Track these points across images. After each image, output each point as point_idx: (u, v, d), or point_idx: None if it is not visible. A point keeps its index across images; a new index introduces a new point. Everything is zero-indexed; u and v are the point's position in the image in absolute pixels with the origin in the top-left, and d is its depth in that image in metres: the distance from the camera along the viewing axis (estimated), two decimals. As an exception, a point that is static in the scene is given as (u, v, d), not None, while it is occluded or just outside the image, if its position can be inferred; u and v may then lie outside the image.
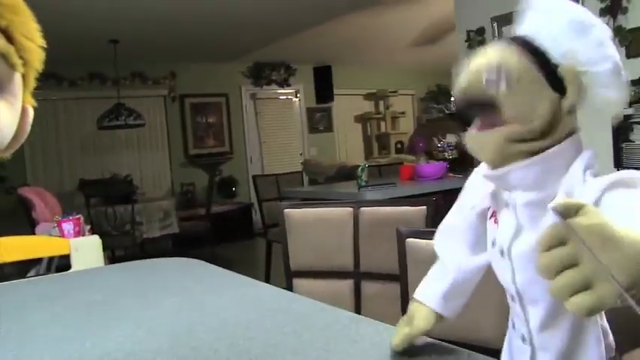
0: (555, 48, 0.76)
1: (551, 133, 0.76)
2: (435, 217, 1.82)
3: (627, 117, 3.25)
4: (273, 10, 6.22)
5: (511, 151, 0.76)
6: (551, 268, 0.51)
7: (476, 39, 5.03)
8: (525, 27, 0.81)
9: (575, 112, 0.78)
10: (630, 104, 3.29)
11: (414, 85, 10.96)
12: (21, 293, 1.66)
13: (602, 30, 0.77)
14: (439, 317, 0.94)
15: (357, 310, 1.99)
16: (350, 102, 10.36)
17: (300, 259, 2.10)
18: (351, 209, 2.02)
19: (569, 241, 0.51)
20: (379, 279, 1.95)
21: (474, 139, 0.81)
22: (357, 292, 2.02)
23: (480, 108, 0.79)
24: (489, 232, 0.87)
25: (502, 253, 0.82)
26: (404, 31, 7.95)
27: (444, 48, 8.58)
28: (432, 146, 5.32)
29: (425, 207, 1.85)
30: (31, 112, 0.61)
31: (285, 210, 2.11)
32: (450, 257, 0.95)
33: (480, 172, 0.87)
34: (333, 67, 9.82)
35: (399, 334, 0.94)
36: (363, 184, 3.95)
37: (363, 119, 10.56)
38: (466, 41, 5.12)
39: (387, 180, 4.46)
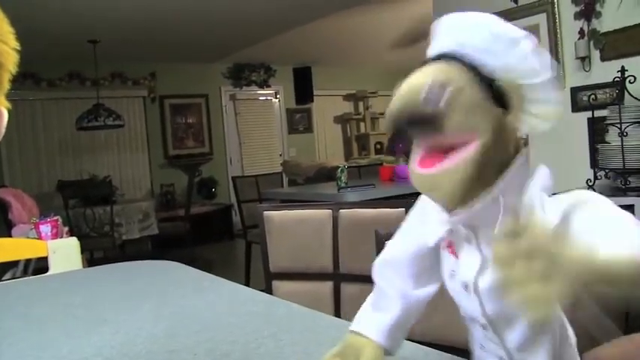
0: (488, 62, 0.73)
1: (500, 150, 0.72)
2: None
3: (602, 119, 3.29)
4: (254, 11, 6.21)
5: (471, 188, 0.70)
6: (505, 258, 0.53)
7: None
8: (448, 45, 0.77)
9: (518, 129, 0.74)
10: (605, 106, 3.33)
11: (394, 86, 10.95)
12: (2, 295, 1.65)
13: (526, 42, 0.74)
14: (384, 351, 0.88)
15: (337, 311, 2.00)
16: (330, 103, 10.38)
17: (279, 261, 2.11)
18: (330, 211, 2.02)
19: (522, 235, 0.52)
20: (359, 281, 1.95)
21: (424, 178, 0.73)
22: (337, 293, 2.02)
23: (420, 127, 0.72)
24: (446, 263, 0.83)
25: (466, 287, 0.78)
26: (384, 33, 7.98)
27: (424, 49, 8.60)
28: (411, 147, 5.33)
29: (403, 209, 1.85)
30: (5, 115, 0.61)
31: (264, 212, 2.11)
32: (394, 289, 0.89)
33: (434, 212, 0.80)
34: (313, 68, 9.84)
35: None
36: (343, 185, 3.96)
37: (342, 120, 10.59)
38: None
39: (367, 181, 4.47)
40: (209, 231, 8.02)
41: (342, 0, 6.05)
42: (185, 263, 1.89)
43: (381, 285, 0.92)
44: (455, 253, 0.80)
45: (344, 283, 2.01)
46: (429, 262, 0.86)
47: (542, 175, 0.73)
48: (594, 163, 3.40)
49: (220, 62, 9.03)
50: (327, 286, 2.04)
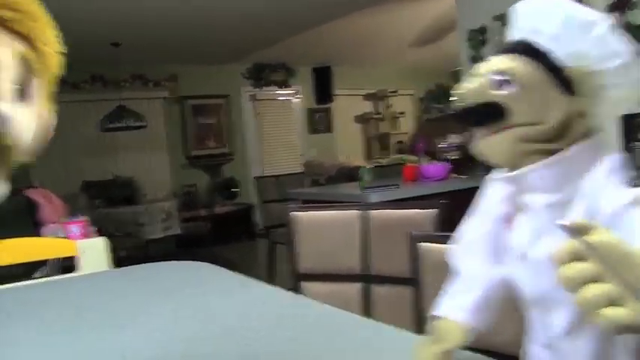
0: (558, 49, 0.74)
1: (563, 136, 0.74)
2: (445, 220, 1.83)
3: (636, 115, 3.19)
4: (273, 11, 6.23)
5: (523, 150, 0.74)
6: (573, 280, 0.51)
7: (477, 38, 5.02)
8: (521, 31, 0.79)
9: (588, 114, 0.75)
10: (640, 102, 3.26)
11: (414, 84, 10.97)
12: (30, 295, 1.67)
13: (602, 25, 0.74)
14: (472, 330, 0.87)
15: (366, 313, 2.01)
16: (350, 102, 10.36)
17: (307, 261, 2.12)
18: (359, 212, 2.04)
19: (587, 257, 0.51)
20: (388, 282, 1.97)
21: (483, 142, 0.78)
22: (366, 295, 2.04)
23: (486, 115, 0.76)
24: (507, 239, 0.84)
25: (521, 258, 0.80)
26: (404, 31, 7.96)
27: (443, 48, 8.59)
28: (434, 146, 5.33)
29: (434, 210, 1.87)
30: (51, 117, 0.62)
31: (292, 213, 2.13)
32: (472, 269, 0.90)
33: (495, 177, 0.84)
34: (333, 68, 9.83)
35: (426, 354, 0.86)
36: (366, 185, 3.97)
37: (363, 119, 10.56)
38: (467, 41, 5.13)
39: (389, 181, 4.46)
40: (230, 231, 8.05)
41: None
42: (208, 263, 1.91)
43: (459, 267, 0.93)
44: (514, 227, 0.82)
45: (373, 284, 2.02)
46: (502, 238, 0.86)
47: (612, 159, 0.73)
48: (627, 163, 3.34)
49: (240, 63, 9.05)
50: (356, 287, 2.05)
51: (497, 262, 0.89)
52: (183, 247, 7.66)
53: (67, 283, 1.93)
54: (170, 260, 2.07)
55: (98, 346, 1.13)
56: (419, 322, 1.44)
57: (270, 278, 4.89)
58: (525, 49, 0.76)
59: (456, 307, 0.89)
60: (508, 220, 0.85)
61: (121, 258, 6.62)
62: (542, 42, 0.75)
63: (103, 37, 6.34)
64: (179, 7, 5.70)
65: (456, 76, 8.69)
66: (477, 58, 5.09)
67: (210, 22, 6.45)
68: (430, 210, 1.89)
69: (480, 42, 5.01)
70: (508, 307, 0.93)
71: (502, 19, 4.66)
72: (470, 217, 0.95)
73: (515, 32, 0.81)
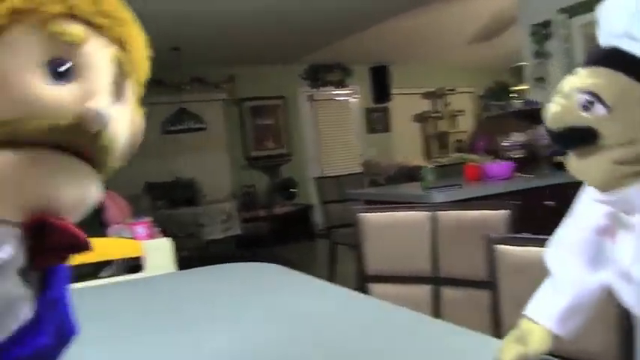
0: None
1: None
2: (516, 222, 1.79)
3: None
4: (330, 10, 6.23)
5: (622, 173, 0.68)
6: None
7: (541, 32, 4.92)
8: (611, 36, 0.70)
9: None
10: None
11: (473, 82, 10.82)
12: (103, 295, 1.70)
13: None
14: (555, 337, 0.86)
15: (437, 315, 1.98)
16: (407, 101, 10.29)
17: (375, 263, 2.10)
18: (428, 213, 2.01)
19: None
20: (459, 284, 1.93)
21: (577, 164, 0.72)
22: (436, 297, 2.00)
23: (576, 139, 0.70)
24: (608, 250, 0.81)
25: (624, 276, 0.76)
26: (462, 28, 7.86)
27: (503, 43, 8.45)
28: (495, 145, 5.23)
29: (506, 210, 1.82)
30: (141, 121, 0.64)
31: (360, 214, 2.11)
32: (567, 273, 0.87)
33: (594, 197, 0.77)
34: (390, 67, 9.78)
35: (509, 351, 0.86)
36: (429, 185, 3.92)
37: (421, 118, 10.47)
38: (530, 35, 5.02)
39: (451, 180, 4.40)
40: (289, 231, 8.08)
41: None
42: (268, 263, 1.91)
43: (553, 270, 0.90)
44: (615, 241, 0.78)
45: (443, 286, 1.98)
46: (599, 248, 0.83)
47: None
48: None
49: (297, 63, 9.08)
50: (425, 289, 2.02)
51: (594, 270, 0.85)
52: (243, 248, 7.73)
53: (137, 283, 1.95)
54: (231, 260, 2.08)
55: (175, 347, 1.13)
56: (495, 326, 1.40)
57: (331, 279, 4.89)
58: (616, 60, 0.68)
59: (544, 311, 0.88)
60: (608, 232, 0.81)
61: (183, 258, 6.72)
62: (638, 50, 0.66)
63: (163, 42, 6.44)
64: (237, 7, 5.75)
65: (517, 73, 8.55)
66: (540, 54, 4.99)
67: (268, 22, 6.48)
68: (502, 211, 1.84)
69: (543, 36, 4.90)
70: (596, 317, 0.90)
71: (568, 11, 4.54)
72: (566, 221, 0.91)
73: (604, 37, 0.71)
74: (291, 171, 8.99)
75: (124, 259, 3.54)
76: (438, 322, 1.19)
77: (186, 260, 5.73)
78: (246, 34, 6.90)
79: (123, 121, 0.57)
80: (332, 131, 9.60)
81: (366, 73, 9.83)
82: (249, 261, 2.01)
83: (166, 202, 6.62)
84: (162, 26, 5.80)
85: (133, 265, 3.46)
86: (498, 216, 1.84)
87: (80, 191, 0.53)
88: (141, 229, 3.43)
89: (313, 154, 9.36)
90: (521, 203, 1.84)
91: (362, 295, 1.45)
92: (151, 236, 3.51)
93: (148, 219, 3.65)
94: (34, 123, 0.48)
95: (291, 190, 8.82)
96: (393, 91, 9.86)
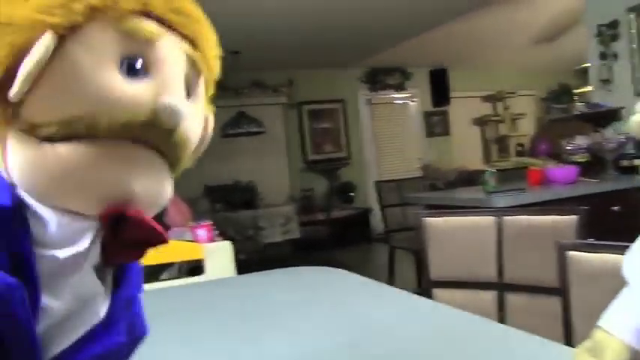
0: None
1: None
2: (586, 227, 1.73)
3: None
4: (390, 13, 6.20)
5: None
6: None
7: (607, 33, 4.78)
8: None
9: None
10: None
11: (534, 84, 10.62)
12: (168, 297, 1.71)
13: None
14: (633, 352, 0.80)
15: (502, 322, 1.93)
16: (467, 104, 10.17)
17: (440, 268, 2.07)
18: (494, 217, 1.96)
19: None
20: (526, 291, 1.88)
21: None
22: (501, 303, 1.96)
23: None
24: None
25: None
26: (523, 29, 7.73)
27: (566, 45, 8.28)
28: (558, 148, 5.11)
29: (576, 216, 1.77)
30: (211, 120, 0.63)
31: (424, 218, 2.08)
32: None
33: None
34: (449, 70, 9.68)
35: None
36: (491, 189, 3.85)
37: (481, 122, 10.33)
38: (596, 36, 4.89)
39: (512, 184, 4.32)
40: (347, 235, 8.07)
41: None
42: (326, 266, 1.89)
43: (632, 280, 0.84)
44: None
45: (509, 292, 1.94)
46: None
47: None
48: None
49: (356, 67, 9.08)
50: (491, 295, 1.97)
51: None
52: (301, 251, 7.76)
53: (199, 287, 1.97)
54: (289, 264, 2.07)
55: (236, 351, 1.13)
56: (566, 334, 1.36)
57: (390, 283, 4.85)
58: None
59: (621, 323, 0.82)
60: None
61: (240, 261, 6.79)
62: None
63: (223, 46, 6.48)
64: (298, 14, 5.78)
65: (581, 75, 8.36)
66: (606, 55, 4.85)
67: (326, 28, 6.50)
68: (571, 216, 1.79)
69: (610, 37, 4.77)
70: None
71: (637, 10, 4.40)
72: None
73: None
74: (349, 174, 8.99)
75: (184, 262, 3.59)
76: (507, 328, 1.15)
77: (245, 263, 5.79)
78: (305, 38, 6.93)
79: (195, 119, 0.57)
80: (391, 135, 9.55)
81: (426, 76, 9.76)
82: (308, 264, 2.00)
83: (225, 205, 6.69)
84: (223, 29, 5.81)
85: (193, 267, 3.50)
86: (567, 221, 1.78)
87: (156, 186, 0.54)
88: (202, 232, 3.46)
89: (372, 158, 9.33)
90: (589, 208, 1.77)
91: (427, 301, 1.42)
92: (211, 239, 3.54)
93: (208, 222, 3.68)
94: (109, 119, 0.48)
95: (349, 193, 8.81)
96: (453, 94, 9.75)
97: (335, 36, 6.99)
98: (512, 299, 1.93)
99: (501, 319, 1.94)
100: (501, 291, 1.95)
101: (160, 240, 0.55)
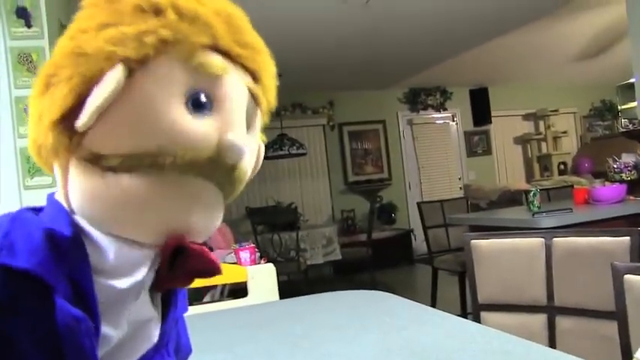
0: None
1: None
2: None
3: None
4: (430, 36, 6.21)
5: None
6: None
7: (656, 47, 4.70)
8: None
9: None
10: None
11: (576, 102, 10.48)
12: (220, 321, 1.71)
13: None
14: None
15: (552, 346, 1.89)
16: (508, 123, 10.08)
17: (488, 291, 2.04)
18: (542, 239, 1.93)
19: None
20: (576, 314, 1.84)
21: None
22: (551, 327, 1.91)
23: None
24: None
25: None
26: (564, 45, 7.64)
27: (607, 61, 8.16)
28: (602, 166, 5.02)
29: (627, 237, 1.72)
30: (262, 149, 0.63)
31: (472, 240, 2.05)
32: None
33: None
34: (490, 89, 9.63)
35: None
36: (536, 209, 3.80)
37: (522, 140, 10.23)
38: (642, 51, 4.80)
39: (556, 204, 4.25)
40: (389, 256, 8.02)
41: (522, 16, 5.87)
42: (367, 288, 1.87)
43: None
44: None
45: (559, 316, 1.89)
46: None
47: None
48: None
49: (396, 87, 9.08)
50: (540, 318, 1.93)
51: None
52: (341, 273, 7.73)
53: (244, 310, 1.97)
54: (331, 286, 2.06)
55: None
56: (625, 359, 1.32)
57: (434, 305, 4.79)
58: None
59: None
60: None
61: (282, 283, 6.78)
62: None
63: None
64: (339, 37, 5.81)
65: (625, 91, 8.22)
66: (654, 70, 4.76)
67: (368, 49, 6.52)
68: (622, 238, 1.74)
69: (657, 52, 4.68)
70: None
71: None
72: None
73: None
74: (390, 195, 8.96)
75: (225, 284, 3.60)
76: (560, 354, 1.12)
77: (286, 285, 5.79)
78: (346, 60, 6.96)
79: (252, 152, 0.57)
80: (432, 155, 9.51)
81: (466, 95, 9.71)
82: (350, 286, 1.99)
83: (267, 226, 6.70)
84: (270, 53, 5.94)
85: (234, 289, 3.51)
86: (619, 243, 1.74)
87: (211, 217, 0.54)
88: (245, 255, 3.47)
89: (413, 178, 9.29)
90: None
91: (476, 324, 1.40)
92: (254, 262, 3.55)
93: (252, 244, 3.69)
94: (176, 155, 0.48)
95: (390, 214, 8.77)
96: (494, 112, 9.68)
97: (375, 57, 7.01)
98: (563, 323, 1.89)
99: (552, 343, 1.90)
100: (551, 314, 1.91)
101: (215, 272, 0.55)
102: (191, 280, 0.57)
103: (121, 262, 0.51)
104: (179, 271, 0.54)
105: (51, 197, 0.53)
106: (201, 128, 0.49)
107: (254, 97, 0.56)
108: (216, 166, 0.50)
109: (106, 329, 0.51)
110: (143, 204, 0.49)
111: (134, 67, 0.47)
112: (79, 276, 0.49)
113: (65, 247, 0.49)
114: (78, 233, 0.50)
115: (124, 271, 0.51)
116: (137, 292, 0.53)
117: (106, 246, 0.50)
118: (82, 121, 0.46)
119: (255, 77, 0.56)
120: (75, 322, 0.47)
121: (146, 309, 0.56)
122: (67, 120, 0.48)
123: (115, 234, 0.50)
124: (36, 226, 0.49)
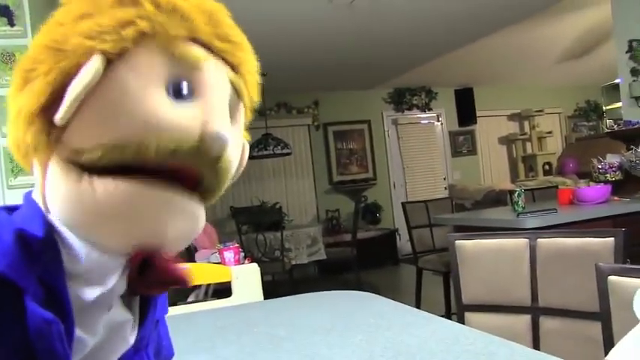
0: None
1: None
2: (626, 250, 1.69)
3: None
4: (415, 36, 6.21)
5: None
6: None
7: (639, 48, 4.72)
8: None
9: None
10: None
11: (561, 102, 10.54)
12: (204, 322, 1.70)
13: None
14: None
15: (536, 347, 1.89)
16: (493, 123, 10.13)
17: (472, 292, 2.03)
18: (527, 240, 1.92)
19: None
20: (560, 315, 1.84)
21: None
22: (535, 328, 1.91)
23: None
24: None
25: None
26: (549, 47, 7.69)
27: (592, 61, 8.21)
28: (586, 167, 5.05)
29: (612, 238, 1.72)
30: (247, 148, 0.62)
31: (457, 241, 2.05)
32: None
33: None
34: (475, 89, 9.66)
35: None
36: (521, 210, 3.81)
37: (507, 141, 10.27)
38: (627, 52, 4.83)
39: (541, 204, 4.27)
40: (374, 256, 8.03)
41: (507, 16, 5.89)
42: (352, 288, 1.86)
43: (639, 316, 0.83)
44: None
45: (543, 317, 1.89)
46: None
47: None
48: None
49: (381, 87, 9.09)
50: (524, 319, 1.93)
51: None
52: (326, 272, 7.72)
53: (228, 311, 1.95)
54: (315, 286, 2.05)
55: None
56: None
57: (418, 305, 4.79)
58: None
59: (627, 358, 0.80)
60: None
61: (266, 283, 6.77)
62: None
63: (250, 68, 6.56)
64: (324, 36, 5.80)
65: (610, 91, 8.28)
66: (638, 71, 4.79)
67: (351, 49, 6.51)
68: (607, 239, 1.74)
69: (643, 53, 4.71)
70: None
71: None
72: None
73: None
74: (375, 195, 8.97)
75: (209, 284, 3.59)
76: (545, 356, 1.12)
77: (271, 284, 5.77)
78: (330, 60, 6.95)
79: (235, 146, 0.56)
80: (417, 155, 9.52)
81: (451, 96, 9.74)
82: (334, 286, 1.98)
83: (251, 226, 6.68)
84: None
85: (218, 289, 3.49)
86: (603, 243, 1.74)
87: (187, 227, 0.53)
88: (229, 255, 3.46)
89: (398, 179, 9.30)
90: (623, 228, 1.73)
91: (460, 325, 1.39)
92: (238, 262, 3.54)
93: (236, 244, 3.68)
94: (157, 144, 0.47)
95: (375, 214, 8.78)
96: (479, 113, 9.72)
97: (360, 58, 7.01)
98: (547, 323, 1.89)
99: (536, 344, 1.90)
100: (535, 315, 1.91)
101: (183, 284, 0.54)
102: (164, 289, 0.57)
103: (91, 266, 0.50)
104: (148, 280, 0.53)
105: (27, 196, 0.53)
106: (182, 116, 0.48)
107: (236, 90, 0.56)
108: (200, 156, 0.49)
109: (80, 333, 0.50)
110: (115, 215, 0.48)
111: (112, 58, 0.47)
112: (52, 277, 0.48)
113: (37, 249, 0.48)
114: (51, 234, 0.49)
115: (94, 278, 0.51)
116: (109, 301, 0.53)
117: (78, 249, 0.50)
118: (60, 113, 0.46)
119: (236, 72, 0.56)
120: (46, 325, 0.46)
121: (118, 313, 0.56)
122: (46, 114, 0.47)
123: (87, 238, 0.49)
124: (7, 227, 0.48)
